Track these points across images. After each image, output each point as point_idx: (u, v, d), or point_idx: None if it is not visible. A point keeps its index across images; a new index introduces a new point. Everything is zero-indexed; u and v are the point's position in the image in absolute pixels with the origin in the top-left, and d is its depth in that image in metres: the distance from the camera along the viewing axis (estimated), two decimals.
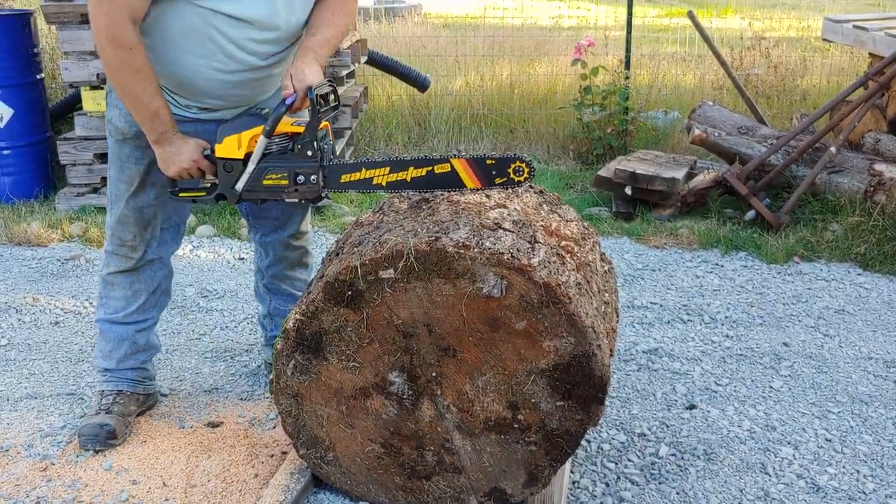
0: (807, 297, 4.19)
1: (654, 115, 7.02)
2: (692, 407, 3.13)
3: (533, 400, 2.39)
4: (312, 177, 2.57)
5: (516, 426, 2.43)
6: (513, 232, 2.40)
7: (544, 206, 2.70)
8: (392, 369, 2.44)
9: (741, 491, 2.63)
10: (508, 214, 2.50)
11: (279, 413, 2.58)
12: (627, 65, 6.89)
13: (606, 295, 2.62)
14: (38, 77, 5.74)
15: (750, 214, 5.17)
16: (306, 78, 2.54)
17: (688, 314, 3.95)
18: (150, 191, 2.85)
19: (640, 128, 6.67)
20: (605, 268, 2.81)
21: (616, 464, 2.80)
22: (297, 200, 2.66)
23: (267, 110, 2.63)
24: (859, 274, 4.56)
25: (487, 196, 2.62)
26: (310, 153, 2.56)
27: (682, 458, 2.81)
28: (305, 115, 2.64)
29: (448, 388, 2.44)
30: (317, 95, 2.50)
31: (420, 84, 6.54)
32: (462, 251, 2.27)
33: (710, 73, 7.93)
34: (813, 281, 4.43)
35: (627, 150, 6.56)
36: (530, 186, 2.82)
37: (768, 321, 3.90)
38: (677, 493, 2.62)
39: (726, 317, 3.93)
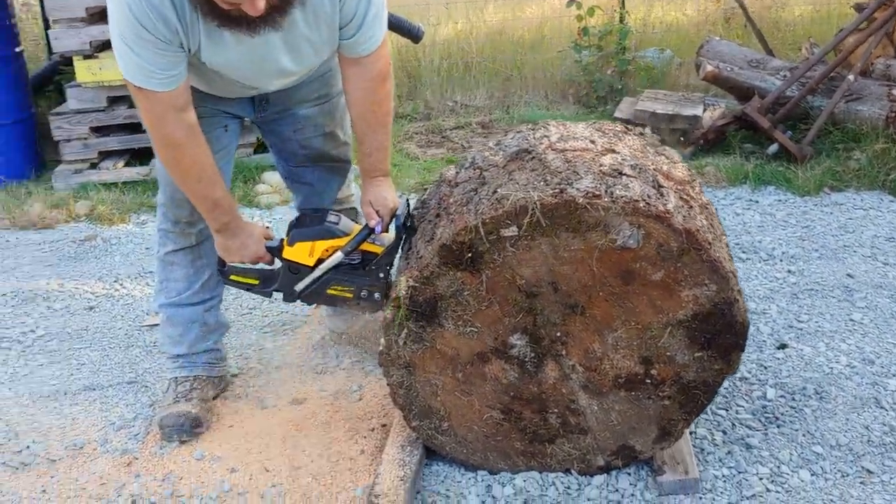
0: (853, 228, 4.14)
1: (648, 54, 6.89)
2: (783, 346, 3.06)
3: (668, 353, 2.29)
4: (376, 294, 2.54)
5: (648, 381, 2.33)
6: (635, 177, 2.27)
7: (648, 148, 2.57)
8: (513, 332, 2.31)
9: (866, 428, 2.58)
10: (623, 159, 2.37)
11: (389, 385, 2.44)
12: (623, 3, 6.73)
13: (723, 237, 2.51)
14: (16, 50, 5.39)
15: (773, 148, 5.10)
16: (388, 202, 2.53)
17: (744, 252, 3.88)
18: None
19: (639, 67, 6.54)
20: (711, 209, 2.70)
21: (726, 410, 2.72)
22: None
23: (341, 222, 2.56)
24: (892, 201, 4.53)
25: (592, 141, 2.47)
26: (381, 275, 2.53)
27: (794, 400, 2.74)
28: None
29: (574, 347, 2.32)
30: (403, 223, 2.48)
31: (413, 35, 6.28)
32: (593, 201, 2.13)
33: (698, 9, 7.82)
34: (851, 210, 4.39)
35: (627, 92, 6.45)
36: (626, 128, 2.68)
37: (825, 254, 3.85)
38: (803, 436, 2.56)
39: (783, 252, 3.87)
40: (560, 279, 2.23)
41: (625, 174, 2.27)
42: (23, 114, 5.39)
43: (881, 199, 4.57)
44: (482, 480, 2.45)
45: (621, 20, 6.61)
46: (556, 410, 2.40)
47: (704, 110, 5.52)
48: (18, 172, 5.30)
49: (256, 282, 2.64)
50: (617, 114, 5.48)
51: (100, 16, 5.00)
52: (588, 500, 2.38)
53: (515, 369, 2.36)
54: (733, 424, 2.65)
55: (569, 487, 2.42)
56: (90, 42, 4.83)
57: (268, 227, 2.64)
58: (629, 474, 2.46)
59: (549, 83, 6.81)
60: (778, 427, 2.62)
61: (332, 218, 2.57)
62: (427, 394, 2.42)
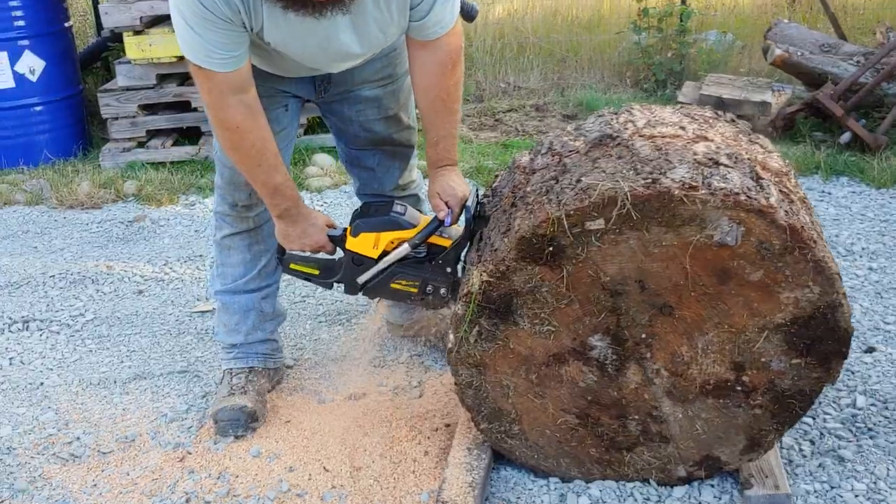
0: None
1: (709, 36, 6.65)
2: (871, 350, 2.86)
3: (762, 359, 2.11)
4: (442, 290, 2.41)
5: (739, 389, 2.16)
6: (733, 168, 2.09)
7: (741, 136, 2.38)
8: (594, 332, 2.15)
9: None
10: (718, 147, 2.19)
11: (457, 384, 2.29)
12: None
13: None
14: (66, 25, 5.31)
15: (845, 137, 4.85)
16: (457, 193, 2.39)
17: None
18: None
19: (701, 51, 6.30)
20: (809, 204, 2.52)
21: (813, 419, 2.54)
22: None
23: (407, 212, 2.42)
24: None
25: (682, 127, 2.30)
26: (448, 269, 2.40)
27: (886, 409, 2.55)
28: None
29: (660, 350, 2.15)
30: (474, 215, 2.36)
31: (466, 13, 6.11)
32: (690, 193, 1.96)
33: None
34: None
35: (687, 76, 6.22)
36: (716, 114, 2.50)
37: None
38: None
39: (863, 248, 3.65)
40: (648, 277, 2.07)
41: (722, 164, 2.09)
42: (71, 90, 5.31)
43: None
44: (555, 489, 2.30)
45: (682, 1, 6.36)
46: (636, 417, 2.24)
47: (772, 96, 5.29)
48: (66, 150, 5.22)
49: (316, 272, 2.52)
50: (680, 98, 5.27)
51: None
52: None
53: (594, 372, 2.20)
54: (821, 434, 2.47)
55: (648, 499, 2.27)
56: (140, 17, 4.72)
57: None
58: (712, 486, 2.29)
59: (606, 65, 6.60)
60: (871, 438, 2.44)
61: (398, 208, 2.42)
62: (498, 395, 2.27)
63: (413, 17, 2.22)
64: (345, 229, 2.44)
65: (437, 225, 2.36)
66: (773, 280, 2.02)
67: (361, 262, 2.41)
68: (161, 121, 5.05)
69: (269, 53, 2.26)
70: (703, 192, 1.97)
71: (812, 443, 2.44)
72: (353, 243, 2.40)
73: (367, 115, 2.62)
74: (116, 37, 5.78)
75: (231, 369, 2.71)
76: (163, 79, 4.99)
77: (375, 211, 2.43)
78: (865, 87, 4.94)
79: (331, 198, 4.50)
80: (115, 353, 3.09)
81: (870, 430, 2.48)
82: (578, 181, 2.09)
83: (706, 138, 2.24)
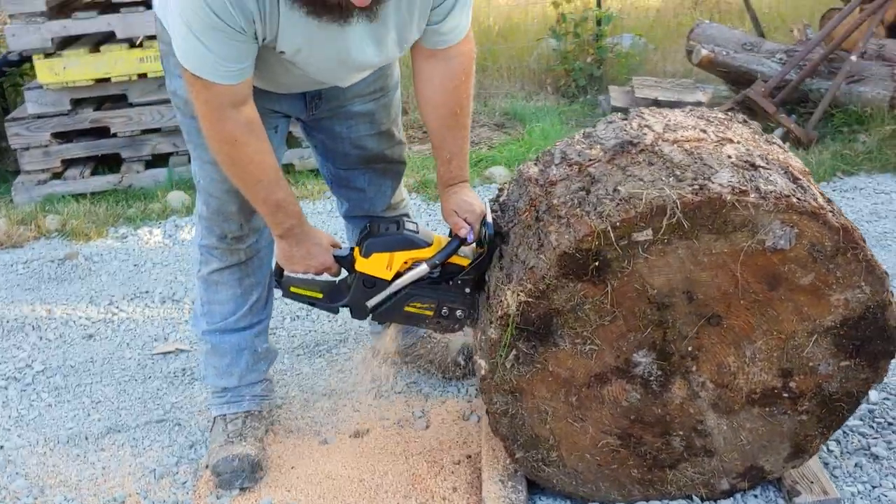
0: (885, 213, 4.02)
1: (622, 40, 6.71)
2: None
3: (811, 363, 2.06)
4: (458, 312, 2.28)
5: (786, 395, 2.10)
6: (771, 170, 2.03)
7: (757, 137, 2.33)
8: (638, 348, 2.06)
9: None
10: (748, 150, 2.13)
11: (490, 413, 2.15)
12: None
13: None
14: None
15: (778, 132, 4.95)
16: (475, 208, 2.26)
17: None
18: None
19: (619, 55, 6.35)
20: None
21: None
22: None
23: (421, 231, 2.28)
24: None
25: (703, 130, 2.23)
26: (468, 290, 2.27)
27: None
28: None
29: (706, 362, 2.07)
30: (496, 231, 2.25)
31: None
32: (741, 198, 1.89)
33: None
34: (874, 195, 4.27)
35: (607, 80, 6.26)
36: (728, 116, 2.45)
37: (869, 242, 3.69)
38: None
39: None
40: (696, 287, 1.98)
41: (759, 166, 2.03)
42: None
43: None
44: None
45: (598, 5, 6.40)
46: (680, 433, 2.15)
47: None
48: None
49: (320, 295, 2.33)
50: (613, 103, 5.27)
51: (59, 9, 4.54)
52: None
53: (638, 390, 2.10)
54: (845, 433, 2.45)
55: None
56: (52, 38, 4.36)
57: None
58: (756, 497, 2.23)
59: (525, 73, 6.56)
60: (895, 433, 2.43)
61: (410, 226, 2.27)
62: (535, 422, 2.15)
63: (432, 19, 2.08)
64: (352, 249, 2.27)
65: (458, 243, 2.22)
66: (825, 282, 1.97)
67: (373, 283, 2.25)
68: (77, 149, 4.69)
69: (269, 66, 2.07)
70: (753, 196, 1.90)
71: (838, 442, 2.41)
72: (364, 264, 2.23)
73: (358, 130, 2.46)
74: (10, 62, 5.42)
75: (225, 415, 2.48)
76: (77, 103, 4.63)
77: (386, 229, 2.26)
78: (792, 84, 5.07)
79: None
80: (79, 406, 2.81)
81: (890, 424, 2.47)
82: (616, 191, 1.99)
83: (731, 140, 2.19)
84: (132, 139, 4.63)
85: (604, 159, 2.18)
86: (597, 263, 1.95)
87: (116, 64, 4.35)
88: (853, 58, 4.97)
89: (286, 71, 2.10)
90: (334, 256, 2.26)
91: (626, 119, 2.37)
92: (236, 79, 1.96)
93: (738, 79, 5.41)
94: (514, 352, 2.07)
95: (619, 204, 1.95)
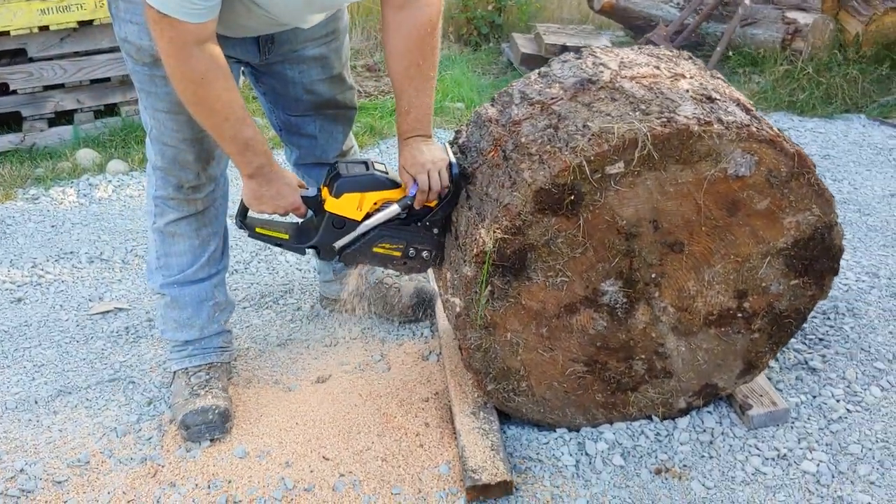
0: None
1: None
2: None
3: (763, 284, 2.20)
4: (425, 252, 2.32)
5: (740, 315, 2.24)
6: (726, 102, 2.14)
7: (703, 72, 2.43)
8: (606, 278, 2.15)
9: None
10: (701, 84, 2.23)
11: (463, 349, 2.21)
12: None
13: None
14: None
15: None
16: (424, 162, 2.22)
17: None
18: None
19: (520, 2, 6.42)
20: None
21: None
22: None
23: (389, 172, 2.28)
24: (801, 120, 4.70)
25: (656, 67, 2.32)
26: (436, 231, 2.31)
27: (828, 318, 2.76)
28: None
29: (668, 287, 2.19)
30: (460, 172, 2.27)
31: None
32: (707, 128, 1.99)
33: None
34: None
35: (507, 28, 6.34)
36: (673, 52, 2.54)
37: None
38: (864, 351, 2.57)
39: None
40: (662, 216, 2.08)
41: (715, 99, 2.13)
42: None
43: (791, 118, 4.73)
44: (570, 439, 2.29)
45: None
46: (642, 356, 2.27)
47: None
48: None
49: (286, 236, 2.32)
50: (522, 49, 5.34)
51: None
52: (680, 443, 2.28)
53: (605, 317, 2.20)
54: (782, 350, 2.62)
55: (658, 434, 2.31)
56: None
57: None
58: (710, 413, 2.38)
59: None
60: (826, 347, 2.62)
61: (379, 167, 2.28)
62: (507, 354, 2.22)
63: None
64: (319, 190, 2.26)
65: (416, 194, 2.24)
66: (779, 206, 2.10)
67: (343, 224, 2.25)
68: None
69: (232, 8, 2.02)
70: (717, 126, 2.00)
71: (776, 359, 2.59)
72: (334, 204, 2.23)
73: (310, 75, 2.43)
74: None
75: (187, 369, 2.45)
76: None
77: (355, 170, 2.26)
78: (690, 27, 5.27)
79: None
80: (21, 371, 2.71)
81: (821, 339, 2.66)
82: (586, 126, 2.06)
83: (683, 76, 2.28)
84: (33, 96, 4.40)
85: (565, 97, 2.24)
86: (572, 197, 2.02)
87: (15, 16, 4.11)
88: (747, 2, 5.19)
89: (248, 12, 2.06)
90: (302, 197, 2.24)
91: (579, 58, 2.44)
92: (204, 17, 1.91)
93: (637, 24, 5.58)
94: (489, 288, 2.12)
95: (591, 139, 2.01)
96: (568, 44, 5.12)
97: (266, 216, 2.31)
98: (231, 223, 2.49)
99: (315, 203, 2.25)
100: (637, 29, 5.67)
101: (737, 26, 5.18)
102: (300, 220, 2.33)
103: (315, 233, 2.27)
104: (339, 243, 2.27)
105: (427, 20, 2.17)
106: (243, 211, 2.28)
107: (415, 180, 2.22)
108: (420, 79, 2.23)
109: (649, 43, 5.17)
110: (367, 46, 6.33)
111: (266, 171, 2.15)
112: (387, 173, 2.26)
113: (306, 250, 2.33)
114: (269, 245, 2.38)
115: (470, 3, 6.29)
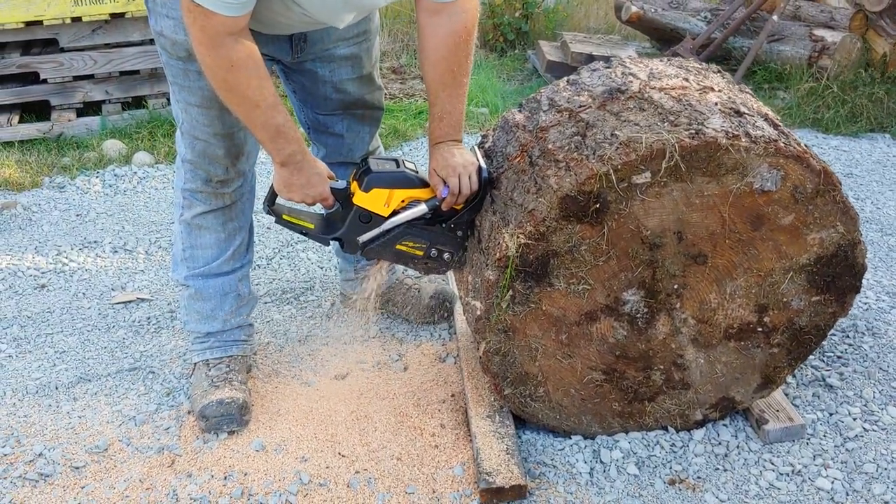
0: None
1: None
2: None
3: (784, 299, 2.20)
4: (446, 254, 2.34)
5: (760, 330, 2.24)
6: (755, 116, 2.15)
7: (732, 86, 2.44)
8: (628, 287, 2.15)
9: None
10: (730, 98, 2.24)
11: (483, 353, 2.22)
12: None
13: None
14: None
15: None
16: (456, 165, 2.23)
17: None
18: None
19: (546, 10, 6.44)
20: None
21: None
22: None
23: (419, 171, 2.30)
24: (825, 137, 4.69)
25: (685, 79, 2.32)
26: (460, 233, 2.33)
27: (847, 337, 2.75)
28: None
29: (689, 299, 2.19)
30: (489, 177, 2.29)
31: None
32: (735, 142, 1.99)
33: None
34: None
35: (533, 35, 6.35)
36: (702, 65, 2.55)
37: None
38: (882, 371, 2.56)
39: None
40: (687, 228, 2.09)
41: (744, 113, 2.14)
42: None
43: (815, 136, 4.71)
44: (585, 447, 2.30)
45: None
46: (661, 367, 2.27)
47: None
48: None
49: (312, 226, 2.34)
50: (549, 57, 5.35)
51: None
52: (695, 455, 2.28)
53: (625, 327, 2.21)
54: (800, 366, 2.62)
55: (673, 444, 2.32)
56: None
57: None
58: (726, 426, 2.38)
59: None
60: (844, 366, 2.62)
61: (409, 165, 2.29)
62: (525, 359, 2.23)
63: None
64: (348, 183, 2.28)
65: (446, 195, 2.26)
66: (803, 222, 2.10)
67: (369, 219, 2.26)
68: (4, 95, 4.48)
69: (269, 4, 2.05)
70: (745, 140, 2.00)
71: (794, 375, 2.58)
72: (362, 198, 2.24)
73: (341, 74, 2.46)
74: None
75: (208, 360, 2.48)
76: (2, 48, 4.43)
77: (385, 167, 2.27)
78: (717, 41, 5.26)
79: None
80: (43, 357, 2.74)
81: (839, 357, 2.66)
82: (614, 135, 2.07)
83: (712, 89, 2.29)
84: (62, 86, 4.45)
85: (594, 105, 2.25)
86: (597, 205, 2.03)
87: (49, 6, 4.15)
88: (774, 17, 5.19)
89: (286, 9, 2.08)
90: (330, 188, 2.26)
91: (609, 67, 2.45)
92: (238, 11, 1.93)
93: (664, 36, 5.58)
94: (510, 292, 2.13)
95: (618, 148, 2.03)
96: (594, 53, 5.13)
97: (294, 204, 2.33)
98: (256, 219, 2.52)
99: (343, 195, 2.27)
100: (664, 41, 5.67)
101: (764, 42, 5.18)
102: (326, 212, 2.35)
103: (341, 225, 2.29)
104: (363, 237, 2.29)
105: (462, 27, 2.19)
106: (272, 197, 2.30)
107: (445, 183, 2.24)
108: (454, 86, 2.25)
109: (675, 55, 5.17)
110: (393, 49, 6.36)
111: (298, 158, 2.16)
112: (416, 172, 2.28)
113: (330, 242, 2.35)
114: (293, 234, 2.40)
115: (497, 10, 6.31)
